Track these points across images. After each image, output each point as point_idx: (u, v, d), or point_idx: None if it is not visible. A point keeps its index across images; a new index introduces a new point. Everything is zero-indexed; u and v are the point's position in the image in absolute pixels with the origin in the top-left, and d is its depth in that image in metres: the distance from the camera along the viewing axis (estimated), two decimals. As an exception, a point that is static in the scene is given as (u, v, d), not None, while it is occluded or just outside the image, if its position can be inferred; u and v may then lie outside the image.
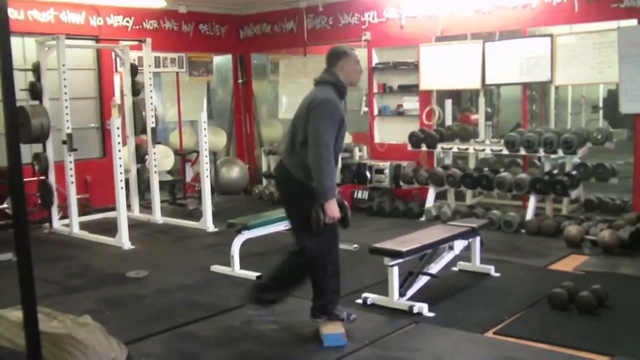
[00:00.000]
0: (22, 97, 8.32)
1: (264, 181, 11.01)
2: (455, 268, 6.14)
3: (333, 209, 4.27)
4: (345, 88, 4.53)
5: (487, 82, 8.70)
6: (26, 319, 1.94)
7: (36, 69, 8.20)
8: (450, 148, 8.92)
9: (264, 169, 11.06)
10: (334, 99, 4.38)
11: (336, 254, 4.62)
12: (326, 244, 4.50)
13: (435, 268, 5.51)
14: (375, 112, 10.07)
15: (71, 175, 8.14)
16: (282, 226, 6.66)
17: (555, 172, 7.96)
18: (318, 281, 4.59)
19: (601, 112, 11.50)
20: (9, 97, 1.85)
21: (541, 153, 8.03)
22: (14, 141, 1.88)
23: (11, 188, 1.91)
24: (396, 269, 5.06)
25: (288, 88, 10.92)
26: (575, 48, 7.87)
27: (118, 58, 9.61)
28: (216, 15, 11.20)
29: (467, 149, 8.83)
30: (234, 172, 11.09)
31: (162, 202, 9.34)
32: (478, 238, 6.00)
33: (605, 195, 8.29)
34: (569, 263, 6.47)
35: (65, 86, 7.94)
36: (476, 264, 6.10)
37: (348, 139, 10.42)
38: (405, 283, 5.23)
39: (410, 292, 5.20)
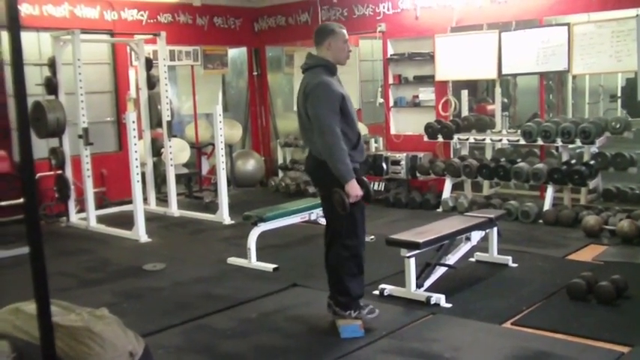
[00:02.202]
0: (38, 91, 8.37)
1: (280, 174, 11.01)
2: (472, 259, 6.11)
3: (354, 189, 4.24)
4: (335, 66, 4.46)
5: (503, 72, 8.63)
6: (40, 313, 1.94)
7: (51, 64, 8.23)
8: (467, 139, 8.86)
9: (280, 161, 11.06)
10: (327, 80, 4.31)
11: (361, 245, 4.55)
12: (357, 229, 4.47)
13: (452, 259, 5.49)
14: (391, 103, 10.02)
15: (88, 169, 8.17)
16: (299, 218, 6.69)
17: (573, 162, 7.89)
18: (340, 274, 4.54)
19: (619, 101, 11.39)
20: (20, 92, 1.85)
21: (559, 143, 7.95)
22: (26, 135, 1.87)
23: (22, 182, 1.90)
24: (413, 260, 5.04)
25: (303, 80, 10.87)
26: (593, 37, 7.79)
27: (132, 52, 9.63)
28: (230, 8, 11.19)
29: (483, 140, 8.78)
30: (250, 164, 11.09)
31: (178, 195, 9.36)
32: (495, 229, 5.96)
33: (624, 185, 8.20)
34: (588, 253, 6.42)
35: (81, 80, 7.97)
36: (493, 255, 6.07)
37: (364, 130, 10.39)
38: (422, 274, 5.22)
39: (427, 283, 5.18)
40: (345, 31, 4.54)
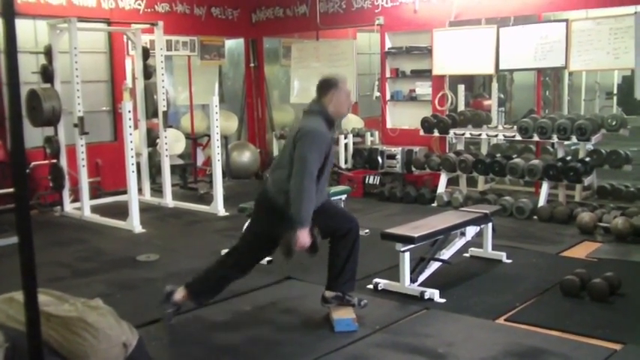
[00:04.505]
0: (33, 79, 8.33)
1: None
2: (466, 255, 6.12)
3: (304, 237, 4.27)
4: (334, 119, 4.54)
5: (501, 67, 8.64)
6: (27, 305, 1.92)
7: (48, 52, 8.19)
8: (463, 134, 8.87)
9: (275, 153, 11.04)
10: (321, 129, 4.38)
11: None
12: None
13: (446, 254, 5.50)
14: (388, 97, 10.02)
15: (82, 159, 8.15)
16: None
17: (568, 158, 7.90)
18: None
19: (615, 98, 11.42)
20: (13, 81, 1.83)
21: (554, 139, 7.96)
22: (17, 123, 1.85)
23: (13, 170, 1.89)
24: (407, 255, 5.04)
25: (300, 73, 10.88)
26: (591, 33, 7.78)
27: (129, 42, 9.59)
28: (228, -2, 11.16)
29: (479, 135, 8.78)
30: (246, 156, 11.07)
31: (173, 185, 9.34)
32: (490, 225, 5.97)
33: (619, 182, 8.23)
34: (582, 250, 6.43)
35: (77, 69, 7.93)
36: (487, 250, 6.07)
37: (360, 123, 10.40)
38: (416, 269, 5.22)
39: (421, 278, 5.19)
40: (347, 85, 4.61)
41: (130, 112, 7.55)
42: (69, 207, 8.56)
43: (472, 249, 6.13)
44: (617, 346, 4.11)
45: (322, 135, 4.34)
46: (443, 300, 4.98)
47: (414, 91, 9.73)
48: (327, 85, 4.52)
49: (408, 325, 4.59)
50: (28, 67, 8.29)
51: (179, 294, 4.56)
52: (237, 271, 4.63)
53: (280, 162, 4.51)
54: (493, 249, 6.08)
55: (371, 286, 5.27)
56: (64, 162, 8.37)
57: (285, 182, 4.33)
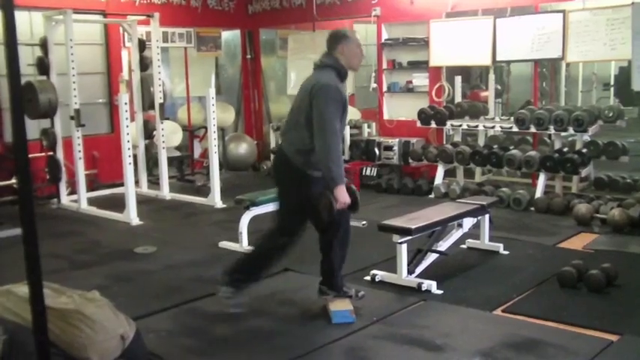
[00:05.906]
0: (29, 72, 8.30)
1: (272, 157, 10.98)
2: (463, 246, 6.12)
3: (343, 195, 4.26)
4: (346, 72, 4.48)
5: (498, 58, 8.62)
6: (32, 296, 1.92)
7: (43, 44, 8.15)
8: (460, 125, 8.86)
9: (273, 145, 11.02)
10: (336, 83, 4.34)
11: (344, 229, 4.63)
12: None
13: (443, 245, 5.50)
14: (385, 88, 10.00)
15: (79, 151, 8.13)
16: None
17: (565, 149, 7.90)
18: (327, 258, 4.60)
19: (612, 89, 11.41)
20: (13, 72, 1.82)
21: (551, 131, 7.96)
22: (19, 116, 1.85)
23: (16, 163, 1.88)
24: (404, 246, 5.04)
25: (297, 64, 10.85)
26: (588, 24, 7.77)
27: (125, 33, 9.55)
28: (224, -10, 11.12)
29: (476, 126, 8.78)
30: (243, 148, 11.06)
31: (170, 178, 9.32)
32: (487, 216, 5.97)
33: (616, 173, 8.23)
34: (579, 242, 6.44)
35: (73, 61, 7.90)
36: (485, 242, 6.08)
37: (356, 115, 10.38)
38: (413, 261, 5.22)
39: (418, 270, 5.19)
40: (358, 36, 4.58)
41: (126, 104, 7.52)
42: (66, 199, 8.54)
43: (469, 240, 6.13)
44: (614, 337, 4.12)
45: (337, 89, 4.30)
46: (440, 291, 4.98)
47: (410, 82, 9.71)
48: (336, 38, 4.47)
49: (405, 316, 4.59)
50: (24, 59, 8.23)
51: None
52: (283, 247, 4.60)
53: (294, 121, 4.44)
54: (490, 240, 6.09)
55: (368, 278, 5.28)
56: (60, 154, 8.34)
57: (304, 142, 4.31)
